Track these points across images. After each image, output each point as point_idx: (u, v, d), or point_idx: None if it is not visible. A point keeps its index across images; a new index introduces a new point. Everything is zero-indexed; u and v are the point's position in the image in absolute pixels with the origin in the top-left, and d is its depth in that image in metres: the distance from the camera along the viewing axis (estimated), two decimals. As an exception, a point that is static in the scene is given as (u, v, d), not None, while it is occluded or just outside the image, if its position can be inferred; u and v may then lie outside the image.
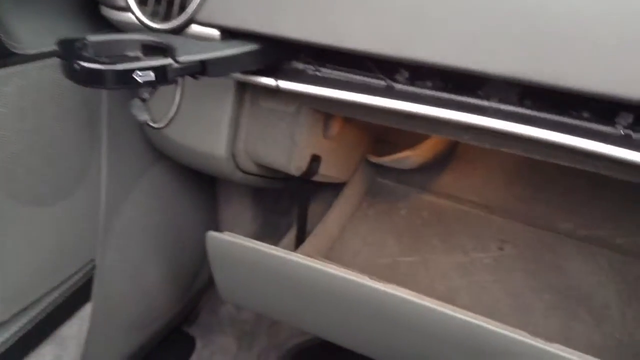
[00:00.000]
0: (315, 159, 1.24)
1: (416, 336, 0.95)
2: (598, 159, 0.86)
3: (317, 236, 1.34)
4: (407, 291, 0.93)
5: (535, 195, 1.42)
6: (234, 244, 1.07)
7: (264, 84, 1.03)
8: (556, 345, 0.85)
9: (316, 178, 1.31)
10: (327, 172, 1.32)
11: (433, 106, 0.92)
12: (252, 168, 1.25)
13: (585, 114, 0.86)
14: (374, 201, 1.57)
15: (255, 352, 1.75)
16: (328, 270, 0.98)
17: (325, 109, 1.11)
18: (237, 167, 1.22)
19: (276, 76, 1.02)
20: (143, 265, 1.40)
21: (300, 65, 1.04)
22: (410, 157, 1.35)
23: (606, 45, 0.73)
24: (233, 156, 1.19)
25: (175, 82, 0.93)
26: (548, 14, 0.76)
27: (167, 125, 0.97)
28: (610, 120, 0.84)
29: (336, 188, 1.51)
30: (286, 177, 1.37)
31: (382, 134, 1.55)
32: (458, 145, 1.50)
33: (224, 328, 1.84)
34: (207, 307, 1.90)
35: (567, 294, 1.29)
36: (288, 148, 1.16)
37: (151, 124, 0.97)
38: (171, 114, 0.97)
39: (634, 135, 0.81)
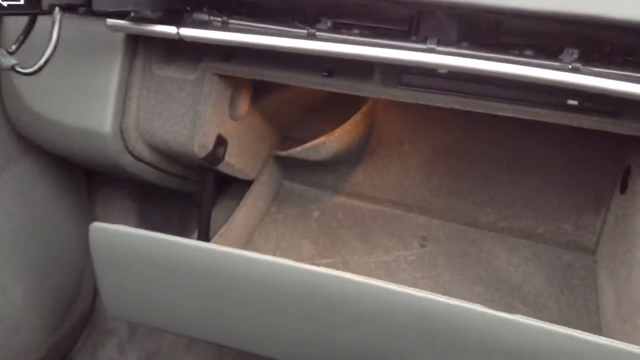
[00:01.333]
0: (221, 141, 1.07)
1: (368, 322, 0.79)
2: (531, 102, 0.80)
3: (225, 237, 1.15)
4: (352, 275, 0.77)
5: (453, 188, 1.35)
6: (127, 235, 0.86)
7: (163, 33, 0.86)
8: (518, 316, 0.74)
9: (221, 167, 1.13)
10: (233, 161, 1.15)
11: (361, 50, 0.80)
12: (145, 153, 1.05)
13: (528, 52, 0.79)
14: (283, 206, 1.41)
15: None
16: (250, 256, 0.80)
17: (232, 71, 0.96)
18: (127, 149, 1.02)
19: (177, 25, 0.86)
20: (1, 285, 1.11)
21: (204, 17, 0.89)
22: (325, 143, 1.22)
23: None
24: (121, 133, 0.99)
25: (49, 13, 0.74)
26: None
27: (40, 69, 0.76)
28: (555, 57, 0.78)
29: (239, 195, 1.34)
30: (185, 170, 1.18)
31: (289, 129, 1.42)
32: (372, 138, 1.41)
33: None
34: (84, 351, 1.59)
35: (498, 286, 1.21)
36: (190, 122, 0.99)
37: (20, 69, 0.76)
38: (45, 56, 0.76)
39: (582, 69, 0.74)
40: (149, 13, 0.86)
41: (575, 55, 0.76)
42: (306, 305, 0.80)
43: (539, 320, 0.72)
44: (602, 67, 0.75)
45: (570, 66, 0.74)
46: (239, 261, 0.81)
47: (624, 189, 1.15)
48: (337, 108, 1.36)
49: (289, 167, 1.43)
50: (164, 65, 0.98)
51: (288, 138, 1.44)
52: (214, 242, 1.13)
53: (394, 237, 1.32)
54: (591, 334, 0.69)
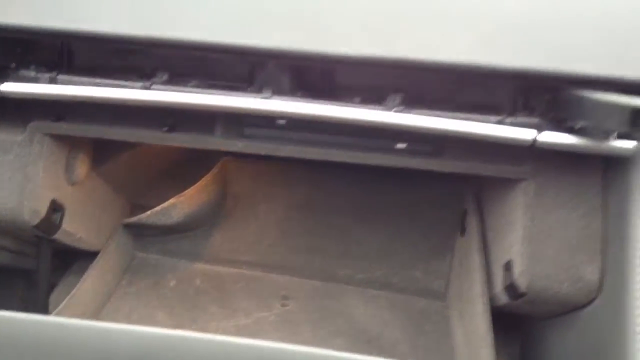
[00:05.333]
0: (56, 208, 0.99)
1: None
2: (367, 148, 0.85)
3: (64, 314, 1.05)
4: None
5: (311, 244, 1.36)
6: None
7: (-21, 88, 0.80)
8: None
9: (60, 236, 1.04)
10: (73, 229, 1.07)
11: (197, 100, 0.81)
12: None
13: (356, 99, 0.84)
14: (136, 278, 1.33)
15: None
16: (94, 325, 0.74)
17: (64, 130, 0.91)
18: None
19: (-3, 81, 0.81)
20: None
21: (31, 74, 0.85)
22: (175, 204, 1.19)
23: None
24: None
25: None
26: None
27: None
28: (381, 104, 0.83)
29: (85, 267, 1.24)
30: (20, 246, 1.08)
31: (138, 196, 1.36)
32: (226, 200, 1.39)
33: None
34: None
35: (357, 338, 1.21)
36: (18, 187, 0.91)
37: None
38: None
39: (407, 110, 0.81)
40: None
41: (398, 100, 0.83)
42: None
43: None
44: (421, 110, 0.81)
45: (393, 110, 0.80)
46: (73, 332, 0.74)
47: (463, 231, 1.23)
48: (187, 174, 1.33)
49: (142, 236, 1.36)
50: None
51: (138, 206, 1.38)
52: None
53: (254, 298, 1.29)
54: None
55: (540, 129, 0.74)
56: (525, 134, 0.73)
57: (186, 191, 1.22)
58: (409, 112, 0.80)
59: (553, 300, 0.86)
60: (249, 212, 1.39)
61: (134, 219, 1.24)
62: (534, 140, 0.74)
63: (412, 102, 0.82)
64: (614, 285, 0.78)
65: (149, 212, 1.20)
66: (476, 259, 1.05)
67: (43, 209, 0.95)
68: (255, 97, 0.81)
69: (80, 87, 0.80)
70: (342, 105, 0.79)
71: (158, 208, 1.19)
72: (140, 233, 1.35)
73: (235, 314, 1.24)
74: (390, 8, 0.74)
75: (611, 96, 0.66)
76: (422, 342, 1.23)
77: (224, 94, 0.82)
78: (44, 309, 1.13)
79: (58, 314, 1.06)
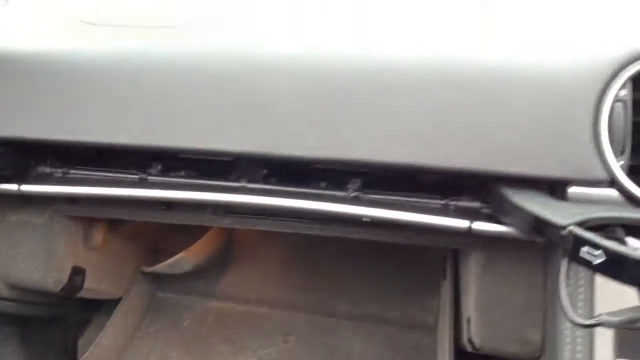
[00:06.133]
0: (77, 272, 1.15)
1: None
2: (337, 221, 0.96)
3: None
4: None
5: (312, 282, 1.49)
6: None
7: (4, 190, 0.96)
8: None
9: (84, 294, 1.21)
10: (95, 285, 1.23)
11: (187, 191, 0.94)
12: (6, 292, 1.12)
13: (322, 184, 0.95)
14: (156, 317, 1.49)
15: None
16: None
17: (79, 212, 1.06)
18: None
19: (19, 182, 0.97)
20: None
21: (47, 169, 1.00)
22: (184, 258, 1.34)
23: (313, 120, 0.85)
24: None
25: None
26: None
27: None
28: (342, 188, 0.94)
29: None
30: (50, 300, 1.24)
31: (157, 242, 1.52)
32: (234, 245, 1.53)
33: None
34: None
35: (352, 373, 1.34)
36: (43, 261, 1.07)
37: None
38: None
39: (363, 196, 0.92)
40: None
41: (358, 184, 0.93)
42: None
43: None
44: (378, 192, 0.92)
45: (352, 195, 0.91)
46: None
47: (444, 276, 1.33)
48: None
49: (161, 278, 1.52)
50: (15, 211, 1.07)
51: (158, 250, 1.54)
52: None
53: (259, 335, 1.43)
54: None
55: (475, 217, 0.84)
56: (460, 224, 0.84)
57: (194, 245, 1.36)
58: (366, 196, 0.91)
59: (505, 355, 0.96)
60: (254, 255, 1.53)
61: (150, 269, 1.40)
62: (469, 228, 0.83)
63: (370, 185, 0.93)
64: (552, 348, 0.87)
65: (161, 265, 1.36)
66: (447, 307, 1.15)
67: (65, 277, 1.11)
68: (234, 185, 0.94)
69: (83, 188, 0.94)
70: (306, 195, 0.91)
71: (169, 261, 1.34)
72: (159, 275, 1.50)
73: (241, 351, 1.39)
74: (340, 112, 0.85)
75: (524, 198, 0.76)
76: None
77: (209, 182, 0.95)
78: (73, 350, 1.29)
79: (88, 358, 1.22)
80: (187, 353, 1.38)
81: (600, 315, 0.65)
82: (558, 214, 0.69)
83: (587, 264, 0.63)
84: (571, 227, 0.66)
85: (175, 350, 1.39)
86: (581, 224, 0.67)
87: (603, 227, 0.72)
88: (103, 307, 1.50)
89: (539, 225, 0.71)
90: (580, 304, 0.78)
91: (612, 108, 0.77)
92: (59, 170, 0.99)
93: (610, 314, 0.67)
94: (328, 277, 1.49)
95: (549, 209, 0.72)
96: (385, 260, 1.49)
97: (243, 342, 1.41)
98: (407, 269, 1.48)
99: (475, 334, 0.96)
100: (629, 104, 0.77)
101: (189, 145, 0.88)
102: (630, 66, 0.77)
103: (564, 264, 0.68)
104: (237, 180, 0.95)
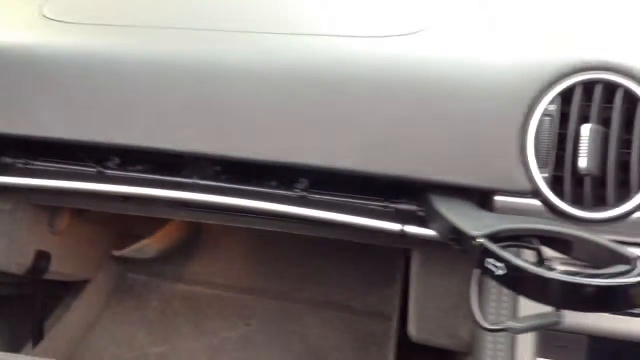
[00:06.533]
0: (42, 256, 1.20)
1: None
2: (284, 219, 1.00)
3: (52, 339, 1.27)
4: None
5: (276, 269, 1.54)
6: None
7: (-34, 180, 1.00)
8: None
9: (50, 276, 1.26)
10: (62, 269, 1.28)
11: (142, 187, 0.98)
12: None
13: (273, 183, 0.99)
14: (125, 297, 1.54)
15: None
16: None
17: (41, 201, 1.10)
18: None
19: (-20, 172, 1.01)
20: None
21: (8, 160, 1.04)
22: (148, 245, 1.39)
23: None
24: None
25: None
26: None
27: None
28: (290, 186, 0.98)
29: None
30: (16, 280, 1.29)
31: (126, 227, 1.57)
32: (201, 232, 1.58)
33: None
34: None
35: (309, 357, 1.39)
36: (6, 246, 1.12)
37: None
38: None
39: (309, 196, 0.96)
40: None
41: (306, 184, 0.98)
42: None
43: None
44: (324, 194, 0.96)
45: (298, 194, 0.96)
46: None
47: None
48: None
49: (131, 261, 1.57)
50: None
51: (129, 235, 1.58)
52: (42, 346, 1.24)
53: (222, 319, 1.49)
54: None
55: (410, 219, 0.89)
56: (393, 227, 0.88)
57: (158, 233, 1.41)
58: (312, 196, 0.96)
59: (441, 347, 1.02)
60: (222, 243, 1.58)
61: (118, 253, 1.45)
62: (402, 231, 0.88)
63: (318, 185, 0.97)
64: (478, 345, 0.93)
65: (128, 249, 1.40)
66: (396, 299, 1.21)
67: (28, 261, 1.16)
68: (187, 182, 0.98)
69: (45, 180, 0.98)
70: (253, 194, 0.95)
71: (134, 246, 1.39)
72: (128, 259, 1.55)
73: (204, 333, 1.44)
74: (287, 119, 0.89)
75: (447, 206, 0.80)
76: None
77: (163, 178, 0.99)
78: (39, 330, 1.34)
79: (50, 339, 1.28)
80: (151, 333, 1.44)
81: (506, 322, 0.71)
82: (471, 224, 0.74)
83: (491, 274, 0.68)
84: (479, 239, 0.70)
85: (141, 329, 1.45)
86: (490, 236, 0.71)
87: (520, 237, 0.77)
88: (72, 287, 1.55)
89: (455, 234, 0.75)
90: (491, 310, 0.83)
91: (540, 122, 0.81)
92: (20, 161, 1.03)
93: (516, 320, 0.73)
94: (291, 265, 1.54)
95: (465, 219, 0.76)
96: (348, 251, 1.54)
97: (206, 324, 1.47)
98: (369, 259, 1.53)
99: (411, 325, 1.02)
100: (557, 117, 0.81)
101: (140, 143, 0.92)
102: (559, 82, 0.81)
103: (475, 272, 0.73)
104: (190, 176, 0.99)
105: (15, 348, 1.27)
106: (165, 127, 0.91)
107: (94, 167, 1.01)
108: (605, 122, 0.80)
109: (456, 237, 0.75)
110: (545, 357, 0.88)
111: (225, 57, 0.90)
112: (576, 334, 0.86)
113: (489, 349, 0.88)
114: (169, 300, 1.53)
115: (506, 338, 0.88)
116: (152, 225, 1.48)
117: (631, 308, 0.71)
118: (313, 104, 0.86)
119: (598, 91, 0.80)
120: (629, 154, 0.79)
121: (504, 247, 0.77)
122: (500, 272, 0.67)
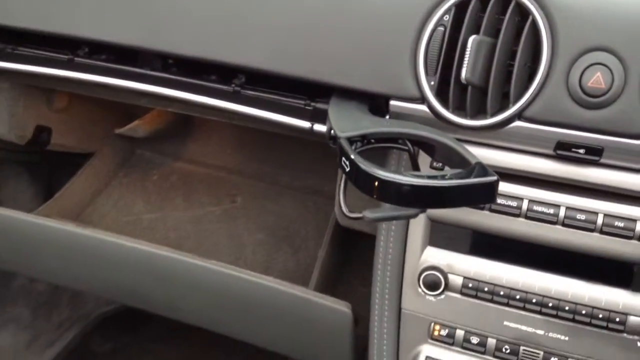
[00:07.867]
0: (42, 130, 1.39)
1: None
2: (222, 111, 1.12)
3: (58, 200, 1.50)
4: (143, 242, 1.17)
5: (260, 155, 1.69)
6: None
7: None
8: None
9: (53, 148, 1.46)
10: (63, 141, 1.48)
11: (104, 75, 1.12)
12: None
13: (213, 77, 1.10)
14: (131, 170, 1.75)
15: (55, 322, 1.86)
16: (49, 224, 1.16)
17: (32, 82, 1.27)
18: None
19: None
20: None
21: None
22: (139, 125, 1.55)
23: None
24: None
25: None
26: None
27: None
28: (229, 81, 1.09)
29: None
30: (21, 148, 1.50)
31: (130, 109, 1.74)
32: (191, 117, 1.72)
33: (17, 300, 1.91)
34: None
35: (277, 233, 1.57)
36: (5, 119, 1.31)
37: None
38: None
39: (242, 92, 1.07)
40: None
41: (242, 80, 1.08)
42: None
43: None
44: (256, 91, 1.06)
45: (233, 89, 1.06)
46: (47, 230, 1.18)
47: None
48: None
49: (137, 138, 1.76)
50: None
51: (133, 115, 1.76)
52: (46, 205, 1.47)
53: (211, 195, 1.67)
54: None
55: (320, 119, 0.98)
56: (304, 124, 0.98)
57: (148, 114, 1.56)
58: (245, 92, 1.06)
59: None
60: (213, 128, 1.72)
61: (119, 131, 1.63)
62: (311, 129, 0.98)
63: (253, 82, 1.07)
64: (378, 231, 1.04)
65: (123, 129, 1.58)
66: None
67: (28, 133, 1.35)
68: (138, 71, 1.11)
69: (25, 66, 1.14)
70: (194, 87, 1.07)
71: (127, 127, 1.56)
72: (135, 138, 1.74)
73: (192, 206, 1.64)
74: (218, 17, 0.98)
75: (337, 108, 0.89)
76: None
77: (121, 67, 1.12)
78: (49, 196, 1.57)
79: (55, 201, 1.51)
80: (149, 202, 1.65)
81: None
82: (343, 126, 0.83)
83: (343, 170, 0.78)
84: (341, 140, 0.79)
85: (140, 198, 1.66)
86: (353, 138, 0.80)
87: (394, 140, 0.86)
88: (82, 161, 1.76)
89: (333, 134, 0.85)
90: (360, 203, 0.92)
91: (433, 31, 0.86)
92: (9, 46, 1.19)
93: (371, 210, 0.83)
94: (275, 150, 1.68)
95: (342, 121, 0.85)
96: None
97: (196, 198, 1.66)
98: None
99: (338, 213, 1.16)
100: (449, 27, 0.85)
101: (85, 34, 1.05)
102: (456, -8, 0.85)
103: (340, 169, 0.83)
104: (142, 67, 1.12)
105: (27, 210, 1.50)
106: (108, 21, 1.03)
107: (66, 55, 1.15)
108: (498, 34, 0.84)
109: (333, 138, 0.85)
110: (435, 246, 0.99)
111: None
112: (461, 228, 0.96)
113: (384, 235, 1.00)
114: (167, 175, 1.73)
115: (397, 227, 0.99)
116: (147, 108, 1.63)
117: (443, 207, 0.80)
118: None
119: (492, 2, 0.83)
120: (512, 65, 0.83)
121: (377, 148, 0.86)
122: (347, 169, 0.77)
